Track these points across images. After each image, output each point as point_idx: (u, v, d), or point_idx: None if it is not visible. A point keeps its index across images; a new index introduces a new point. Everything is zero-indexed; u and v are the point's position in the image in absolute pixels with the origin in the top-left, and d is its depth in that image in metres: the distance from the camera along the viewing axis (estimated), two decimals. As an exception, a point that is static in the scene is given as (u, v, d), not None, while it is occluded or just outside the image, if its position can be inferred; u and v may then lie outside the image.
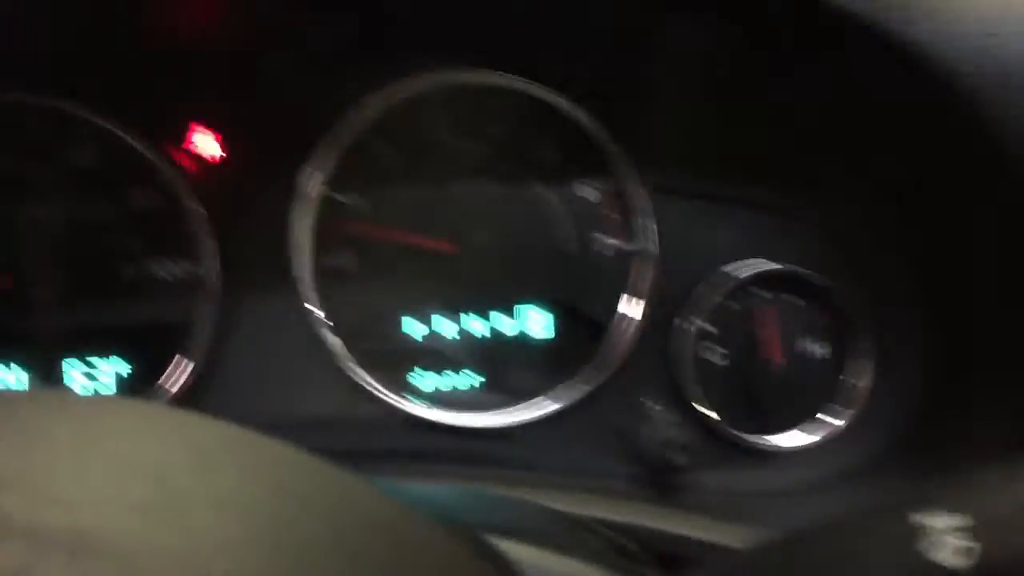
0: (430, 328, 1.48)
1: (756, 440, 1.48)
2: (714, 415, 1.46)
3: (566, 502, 1.28)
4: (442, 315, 1.48)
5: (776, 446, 1.48)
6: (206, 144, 1.45)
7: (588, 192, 1.49)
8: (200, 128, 1.45)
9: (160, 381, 1.43)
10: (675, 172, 1.48)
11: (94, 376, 1.44)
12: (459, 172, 1.47)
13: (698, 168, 1.48)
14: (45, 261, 1.41)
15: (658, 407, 1.45)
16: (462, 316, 1.49)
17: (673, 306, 1.48)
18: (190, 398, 1.43)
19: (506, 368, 1.50)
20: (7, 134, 1.40)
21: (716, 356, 1.49)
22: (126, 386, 1.44)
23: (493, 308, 1.49)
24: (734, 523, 1.26)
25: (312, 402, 1.46)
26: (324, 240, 1.45)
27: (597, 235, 1.49)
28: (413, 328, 1.48)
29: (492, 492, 1.28)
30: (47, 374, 1.43)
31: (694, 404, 1.46)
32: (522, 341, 1.49)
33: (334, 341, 1.45)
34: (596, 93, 1.44)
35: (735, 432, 1.47)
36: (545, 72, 1.44)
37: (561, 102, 1.45)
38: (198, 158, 1.44)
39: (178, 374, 1.42)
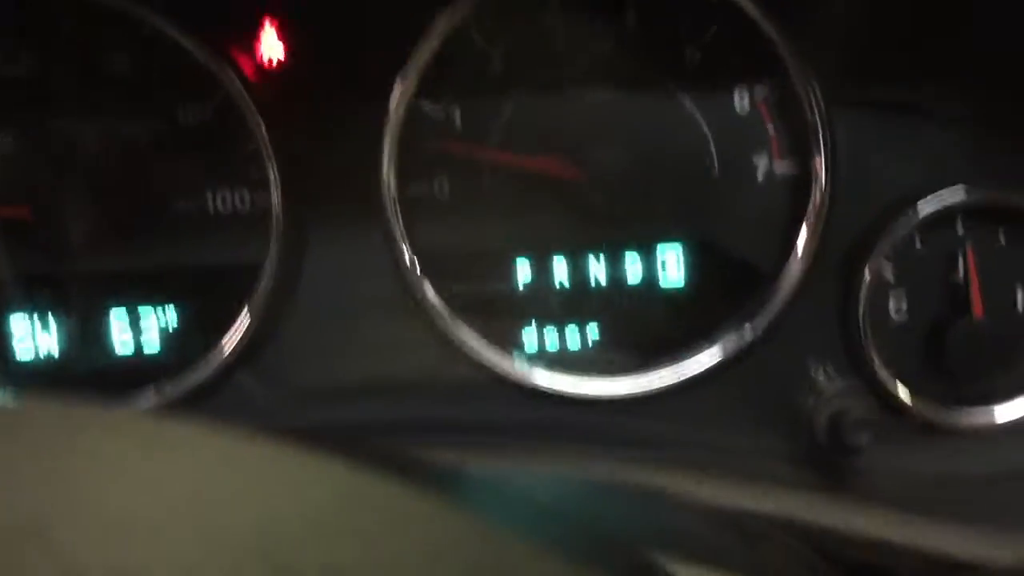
0: (538, 271, 1.20)
1: (951, 415, 1.18)
2: (899, 385, 1.16)
3: (714, 492, 1.03)
4: (555, 256, 1.20)
5: (975, 422, 1.18)
6: (273, 47, 1.17)
7: (744, 102, 1.18)
8: (269, 28, 1.17)
9: (216, 336, 1.17)
10: (856, 76, 1.16)
11: (140, 329, 1.19)
12: (579, 75, 1.18)
13: (884, 71, 1.16)
14: (77, 191, 1.16)
15: (827, 372, 1.15)
16: (580, 257, 1.20)
17: (848, 247, 1.17)
18: (249, 357, 1.18)
19: (632, 322, 1.22)
20: (30, 31, 1.14)
21: (900, 310, 1.18)
22: (175, 341, 1.19)
23: (619, 247, 1.20)
24: (929, 519, 1.00)
25: (397, 362, 1.20)
26: (412, 163, 1.18)
27: (755, 157, 1.19)
28: (518, 272, 1.20)
29: (624, 484, 1.02)
30: (86, 327, 1.19)
31: (873, 369, 1.16)
32: (653, 288, 1.21)
33: (424, 287, 1.18)
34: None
35: (925, 405, 1.17)
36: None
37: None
38: (263, 64, 1.16)
39: (237, 327, 1.17)
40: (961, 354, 1.15)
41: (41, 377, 1.19)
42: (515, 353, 1.20)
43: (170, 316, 1.20)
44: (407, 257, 1.18)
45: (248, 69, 1.15)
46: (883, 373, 1.16)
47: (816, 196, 1.16)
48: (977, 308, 1.17)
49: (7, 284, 1.18)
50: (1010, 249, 1.18)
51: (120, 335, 1.20)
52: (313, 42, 1.16)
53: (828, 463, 1.14)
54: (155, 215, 1.18)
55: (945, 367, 1.16)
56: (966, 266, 1.17)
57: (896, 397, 1.16)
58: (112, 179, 1.17)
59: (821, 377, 1.15)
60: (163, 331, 1.20)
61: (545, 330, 1.22)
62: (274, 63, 1.16)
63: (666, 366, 1.19)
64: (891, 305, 1.18)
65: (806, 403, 1.14)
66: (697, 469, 1.07)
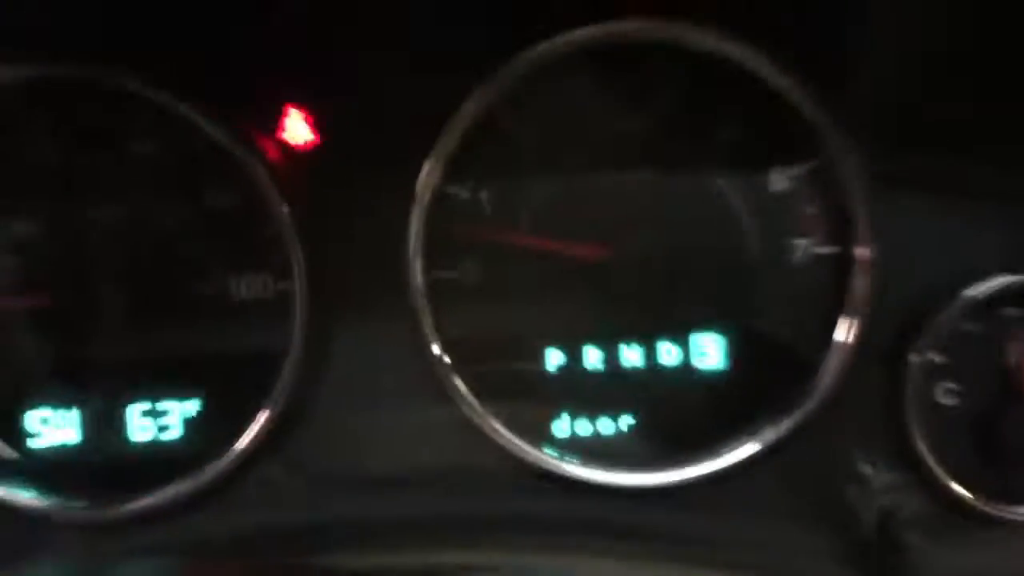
0: (570, 357, 1.16)
1: (1007, 510, 1.11)
2: (951, 478, 1.10)
3: None
4: (586, 342, 1.16)
5: (1035, 518, 1.11)
6: (298, 132, 1.16)
7: (782, 182, 1.15)
8: (293, 113, 1.15)
9: (239, 425, 1.14)
10: (900, 154, 1.12)
11: (162, 418, 1.17)
12: (611, 157, 1.15)
13: (930, 149, 1.12)
14: (99, 277, 1.15)
15: (874, 464, 1.09)
16: (612, 343, 1.16)
17: (895, 331, 1.12)
18: (274, 447, 1.14)
19: (667, 411, 1.18)
20: (56, 116, 1.14)
21: (952, 397, 1.13)
22: (198, 430, 1.16)
23: (653, 333, 1.16)
24: None
25: (422, 451, 1.16)
26: (439, 248, 1.15)
27: (795, 238, 1.15)
28: (548, 358, 1.16)
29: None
30: (105, 416, 1.17)
31: (924, 460, 1.10)
32: (689, 375, 1.16)
33: (450, 373, 1.14)
34: (796, 45, 1.09)
35: (980, 499, 1.10)
36: (728, 20, 1.09)
37: (751, 59, 1.10)
38: (288, 149, 1.14)
39: (260, 417, 1.13)
40: (1016, 443, 1.09)
41: (61, 467, 1.16)
42: (544, 443, 1.15)
43: (192, 405, 1.17)
44: (433, 343, 1.14)
45: (272, 153, 1.14)
46: (934, 465, 1.10)
47: (858, 278, 1.11)
48: (1034, 396, 1.10)
49: (27, 372, 1.15)
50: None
51: (141, 424, 1.16)
52: (338, 126, 1.14)
53: (877, 561, 1.07)
54: (178, 302, 1.15)
55: (999, 457, 1.10)
56: (1018, 350, 1.11)
57: (949, 490, 1.10)
58: (135, 265, 1.15)
59: (868, 470, 1.09)
60: (186, 420, 1.17)
61: (576, 418, 1.18)
62: (299, 146, 1.14)
63: (703, 457, 1.14)
64: (940, 393, 1.12)
65: (852, 497, 1.09)
66: (735, 567, 1.01)
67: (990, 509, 1.11)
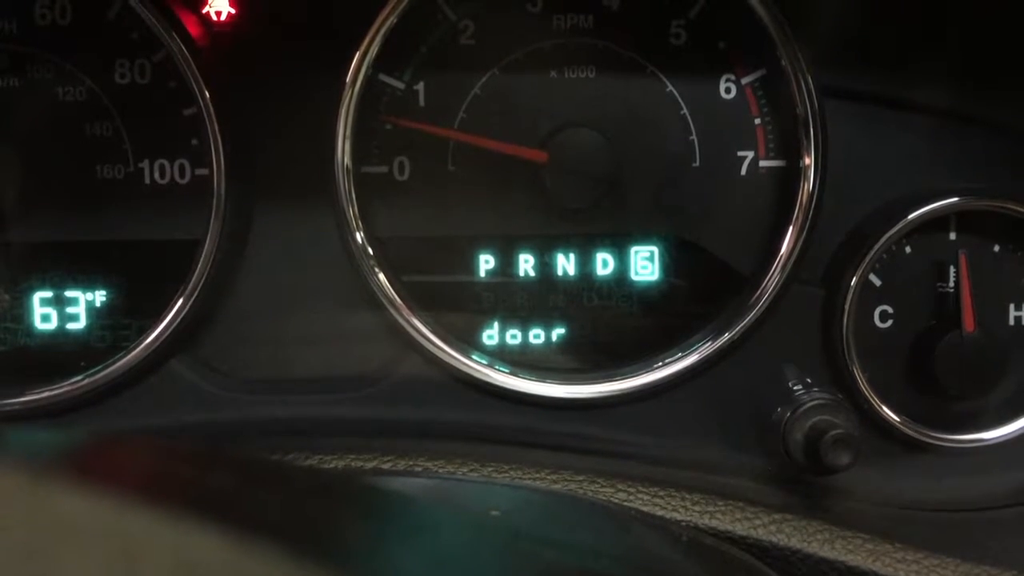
0: (502, 263, 1.11)
1: (937, 434, 1.10)
2: (883, 400, 1.08)
3: (676, 510, 0.95)
4: (520, 248, 1.11)
5: (963, 442, 1.11)
6: (220, 5, 1.07)
7: (730, 88, 1.10)
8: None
9: (149, 318, 1.08)
10: (851, 67, 1.08)
11: (66, 308, 1.10)
12: (553, 55, 1.09)
13: (881, 63, 1.08)
14: (2, 155, 1.06)
15: (806, 384, 1.07)
16: (547, 250, 1.11)
17: (834, 251, 1.10)
18: (185, 343, 1.08)
19: (600, 323, 1.14)
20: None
21: (886, 320, 1.11)
22: (106, 323, 1.09)
23: (590, 242, 1.12)
24: (907, 548, 0.93)
25: (346, 355, 1.11)
26: (369, 141, 1.09)
27: (739, 148, 1.11)
28: (480, 263, 1.12)
29: (580, 498, 0.94)
30: (6, 304, 1.10)
31: (856, 382, 1.08)
32: (624, 287, 1.12)
33: (377, 275, 1.08)
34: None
35: (910, 423, 1.10)
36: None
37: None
38: (209, 20, 1.06)
39: (171, 311, 1.07)
40: (949, 369, 1.08)
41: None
42: (473, 351, 1.11)
43: (100, 294, 1.10)
44: (360, 242, 1.09)
45: (192, 26, 1.06)
46: (865, 387, 1.08)
47: (803, 194, 1.08)
48: (968, 321, 1.09)
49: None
50: (1004, 259, 1.11)
51: (44, 313, 1.10)
52: (265, 8, 1.07)
53: (803, 482, 1.06)
54: (84, 184, 1.08)
55: (932, 382, 1.09)
56: (958, 275, 1.09)
57: (879, 413, 1.09)
58: (36, 143, 1.07)
59: (799, 389, 1.06)
60: (92, 310, 1.10)
61: (506, 327, 1.14)
62: (222, 17, 1.07)
63: (634, 371, 1.11)
64: (876, 315, 1.10)
65: (782, 416, 1.06)
66: (661, 483, 0.99)
67: (919, 434, 1.10)
